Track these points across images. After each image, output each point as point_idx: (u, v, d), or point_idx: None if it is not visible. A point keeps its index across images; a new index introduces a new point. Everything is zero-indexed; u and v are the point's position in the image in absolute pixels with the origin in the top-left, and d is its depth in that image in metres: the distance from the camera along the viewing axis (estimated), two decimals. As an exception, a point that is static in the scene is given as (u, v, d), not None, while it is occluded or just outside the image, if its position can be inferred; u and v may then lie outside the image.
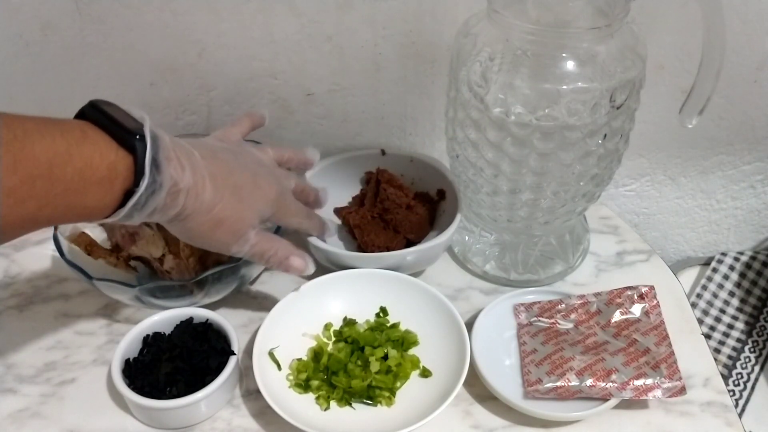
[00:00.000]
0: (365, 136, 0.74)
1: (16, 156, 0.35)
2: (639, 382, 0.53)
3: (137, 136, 0.41)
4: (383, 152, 0.70)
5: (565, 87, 0.50)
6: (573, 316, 0.59)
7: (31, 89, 0.66)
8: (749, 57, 0.69)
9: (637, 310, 0.58)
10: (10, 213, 0.35)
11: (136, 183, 0.41)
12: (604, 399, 0.53)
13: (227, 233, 0.50)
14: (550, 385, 0.53)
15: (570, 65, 0.51)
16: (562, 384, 0.53)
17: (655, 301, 0.59)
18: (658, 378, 0.53)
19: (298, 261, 0.55)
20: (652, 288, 0.59)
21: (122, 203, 0.41)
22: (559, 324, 0.58)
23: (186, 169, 0.44)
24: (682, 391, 0.53)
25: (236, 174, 0.50)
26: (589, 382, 0.52)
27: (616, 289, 0.59)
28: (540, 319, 0.59)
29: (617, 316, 0.58)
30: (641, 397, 0.53)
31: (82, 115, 0.42)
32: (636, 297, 0.59)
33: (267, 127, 0.71)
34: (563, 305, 0.59)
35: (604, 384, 0.52)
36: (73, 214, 0.40)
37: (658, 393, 0.52)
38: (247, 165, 0.52)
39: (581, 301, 0.59)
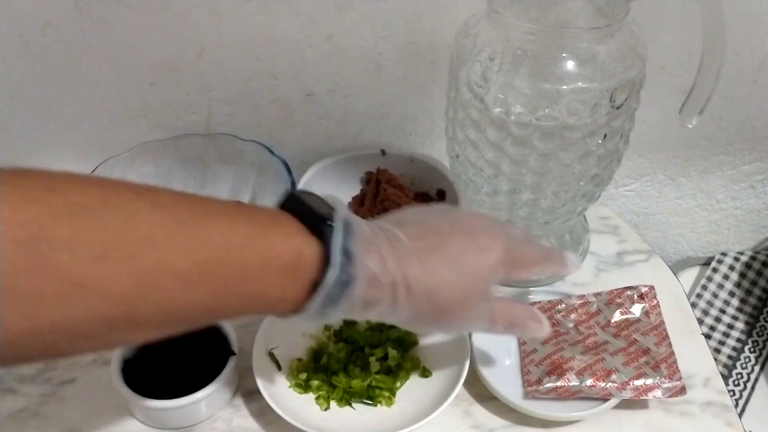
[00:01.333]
0: (365, 136, 0.74)
1: (189, 236, 0.32)
2: (639, 382, 0.53)
3: (327, 222, 0.37)
4: (383, 152, 0.70)
5: (565, 87, 0.50)
6: (573, 316, 0.59)
7: (31, 89, 0.66)
8: (749, 57, 0.69)
9: (637, 310, 0.58)
10: (178, 297, 0.32)
11: (324, 273, 0.36)
12: (604, 399, 0.53)
13: (455, 317, 0.43)
14: (550, 385, 0.53)
15: (570, 65, 0.51)
16: (562, 384, 0.53)
17: (655, 301, 0.59)
18: (658, 378, 0.53)
19: (535, 325, 0.47)
20: (652, 288, 0.59)
21: (312, 297, 0.37)
22: (559, 324, 0.58)
23: (389, 259, 0.38)
24: (682, 391, 0.53)
25: (451, 242, 0.42)
26: (589, 382, 0.52)
27: (616, 289, 0.59)
28: None
29: (617, 316, 0.58)
30: (641, 397, 0.53)
31: (280, 206, 0.39)
32: (636, 297, 0.59)
33: (267, 127, 0.72)
34: (563, 305, 0.59)
35: (604, 384, 0.52)
36: (252, 304, 0.36)
37: (658, 393, 0.52)
38: (462, 225, 0.44)
39: (581, 302, 0.59)
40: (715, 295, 0.80)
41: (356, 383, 0.54)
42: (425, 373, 0.56)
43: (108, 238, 0.30)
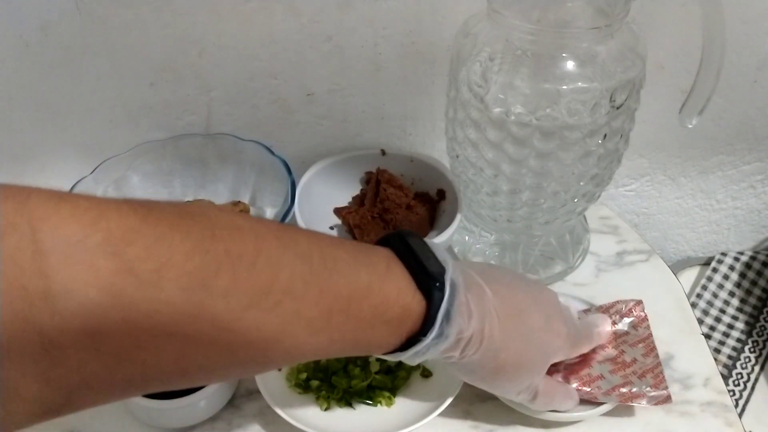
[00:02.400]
0: (365, 136, 0.74)
1: (321, 286, 0.35)
2: (625, 390, 0.53)
3: (437, 284, 0.39)
4: (383, 152, 0.70)
5: (565, 87, 0.50)
6: None
7: (31, 89, 0.66)
8: (749, 57, 0.69)
9: (625, 324, 0.58)
10: (304, 343, 0.35)
11: (424, 332, 0.39)
12: (591, 402, 0.53)
13: (512, 381, 0.46)
14: None
15: (570, 65, 0.51)
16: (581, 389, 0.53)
17: (642, 314, 0.58)
18: (644, 387, 0.53)
19: (569, 403, 0.52)
20: (639, 302, 0.59)
21: (405, 345, 0.40)
22: None
23: (474, 317, 0.41)
24: (668, 399, 0.53)
25: (529, 315, 0.46)
26: (574, 385, 0.53)
27: (604, 305, 0.59)
28: None
29: None
30: (627, 403, 0.53)
31: (386, 241, 0.42)
32: (624, 310, 0.59)
33: (267, 127, 0.72)
34: None
35: (589, 389, 0.53)
36: (356, 349, 0.39)
37: (643, 401, 0.53)
38: (542, 303, 0.48)
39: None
40: (715, 295, 0.80)
41: (356, 383, 0.54)
42: (425, 373, 0.56)
43: (259, 288, 0.32)
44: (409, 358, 0.40)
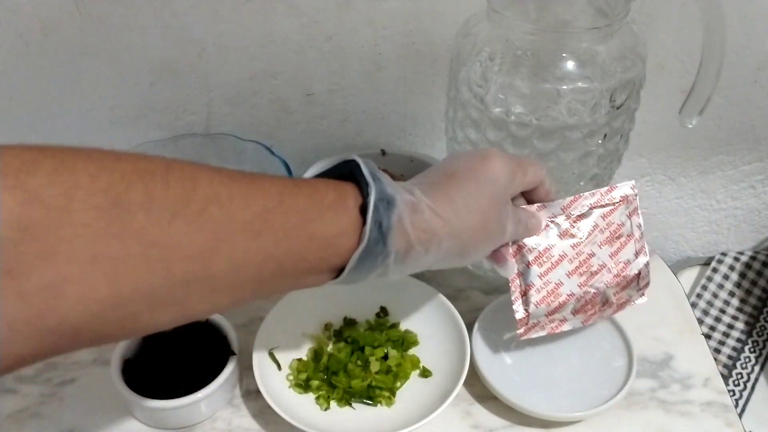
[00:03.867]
0: (365, 136, 0.74)
1: (247, 190, 0.34)
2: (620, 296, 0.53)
3: (351, 161, 0.40)
4: (383, 152, 0.70)
5: (565, 87, 0.50)
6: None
7: (31, 89, 0.66)
8: (749, 57, 0.69)
9: (591, 219, 0.52)
10: (247, 249, 0.34)
11: (366, 194, 0.38)
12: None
13: (484, 243, 0.45)
14: (539, 305, 0.51)
15: (570, 65, 0.51)
16: (552, 318, 0.52)
17: (616, 199, 0.53)
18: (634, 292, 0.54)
19: (537, 223, 0.51)
20: (613, 187, 0.53)
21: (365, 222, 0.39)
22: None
23: (410, 189, 0.41)
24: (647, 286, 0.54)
25: (456, 176, 0.44)
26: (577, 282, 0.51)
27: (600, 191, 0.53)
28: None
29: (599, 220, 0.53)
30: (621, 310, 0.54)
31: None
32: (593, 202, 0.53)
33: (267, 127, 0.72)
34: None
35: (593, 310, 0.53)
36: (315, 248, 0.37)
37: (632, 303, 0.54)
38: (459, 155, 0.47)
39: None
40: (715, 295, 0.80)
41: (356, 383, 0.54)
42: (425, 373, 0.56)
43: (178, 198, 0.31)
44: (374, 233, 0.38)
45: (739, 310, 0.79)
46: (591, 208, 0.52)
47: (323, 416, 0.53)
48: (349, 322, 0.60)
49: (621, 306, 0.55)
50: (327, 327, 0.60)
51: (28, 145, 0.28)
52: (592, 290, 0.52)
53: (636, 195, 0.54)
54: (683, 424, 0.55)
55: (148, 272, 0.30)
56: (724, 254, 0.82)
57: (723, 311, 0.79)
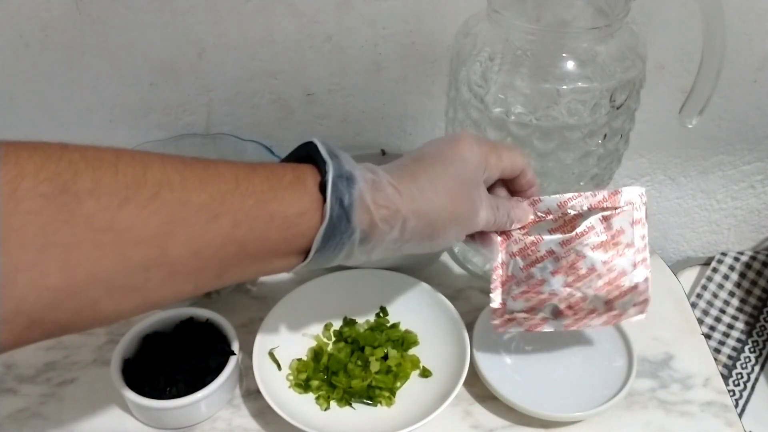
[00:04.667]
0: (365, 136, 0.74)
1: (201, 174, 0.34)
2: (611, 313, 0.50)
3: (309, 143, 0.41)
4: (383, 152, 0.70)
5: (565, 87, 0.50)
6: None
7: (31, 89, 0.66)
8: (749, 57, 0.69)
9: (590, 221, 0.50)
10: (204, 231, 0.33)
11: (324, 172, 0.38)
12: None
13: (456, 226, 0.44)
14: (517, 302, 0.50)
15: (570, 65, 0.51)
16: (531, 316, 0.50)
17: (619, 202, 0.49)
18: (628, 307, 0.50)
19: (523, 213, 0.50)
20: (616, 192, 0.50)
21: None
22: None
23: (372, 168, 0.42)
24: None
25: (423, 158, 0.45)
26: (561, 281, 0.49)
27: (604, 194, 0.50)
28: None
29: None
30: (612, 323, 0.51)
31: None
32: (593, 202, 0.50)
33: (267, 127, 0.72)
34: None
35: (579, 316, 0.50)
36: (277, 228, 0.37)
37: (623, 318, 0.50)
38: (431, 141, 0.47)
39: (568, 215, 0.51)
40: (715, 295, 0.80)
41: (356, 383, 0.54)
42: (425, 373, 0.56)
43: (128, 183, 0.31)
44: (335, 210, 0.38)
45: (739, 310, 0.79)
46: (590, 209, 0.49)
47: (323, 416, 0.53)
48: (349, 322, 0.60)
49: (613, 318, 0.51)
50: (327, 327, 0.60)
51: None
52: (578, 294, 0.49)
53: (644, 203, 0.50)
54: (683, 424, 0.55)
55: (101, 257, 0.30)
56: (724, 254, 0.82)
57: (723, 311, 0.79)
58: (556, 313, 0.50)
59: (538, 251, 0.50)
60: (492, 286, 0.51)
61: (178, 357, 0.54)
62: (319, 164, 0.39)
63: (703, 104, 0.54)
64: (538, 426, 0.54)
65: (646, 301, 0.50)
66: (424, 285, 0.59)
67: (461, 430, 0.54)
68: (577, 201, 0.50)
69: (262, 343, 0.55)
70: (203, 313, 0.57)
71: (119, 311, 0.33)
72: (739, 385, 0.74)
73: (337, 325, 0.60)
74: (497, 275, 0.51)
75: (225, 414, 0.55)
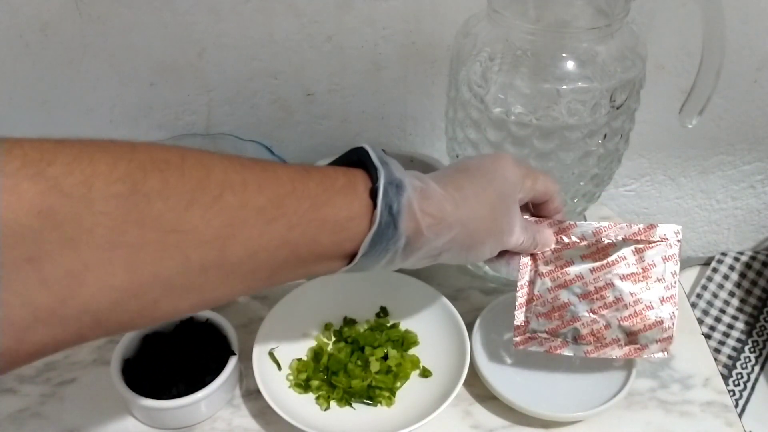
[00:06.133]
0: (365, 136, 0.74)
1: (260, 176, 0.35)
2: (631, 346, 0.50)
3: (362, 147, 0.41)
4: (383, 152, 0.70)
5: (565, 87, 0.50)
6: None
7: (31, 89, 0.66)
8: (749, 57, 0.69)
9: (623, 251, 0.50)
10: (261, 234, 0.34)
11: (375, 178, 0.39)
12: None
13: (491, 242, 0.45)
14: (539, 325, 0.51)
15: (570, 65, 0.51)
16: (553, 337, 0.51)
17: (656, 237, 0.50)
18: (649, 341, 0.50)
19: (549, 237, 0.51)
20: (652, 226, 0.50)
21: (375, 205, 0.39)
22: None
23: (420, 177, 0.42)
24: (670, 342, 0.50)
25: (471, 176, 0.45)
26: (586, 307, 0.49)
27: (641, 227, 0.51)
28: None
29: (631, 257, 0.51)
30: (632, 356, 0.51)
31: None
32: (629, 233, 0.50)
33: (267, 127, 0.72)
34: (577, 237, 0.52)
35: (594, 345, 0.50)
36: (327, 231, 0.37)
37: (644, 354, 0.50)
38: (475, 157, 0.48)
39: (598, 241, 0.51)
40: (715, 295, 0.80)
41: (356, 383, 0.54)
42: (425, 373, 0.56)
43: (193, 185, 0.32)
44: (384, 217, 0.38)
45: (739, 310, 0.79)
46: (625, 239, 0.50)
47: (323, 416, 0.53)
48: (349, 322, 0.60)
49: (634, 351, 0.51)
50: (327, 327, 0.60)
51: (47, 138, 0.29)
52: (602, 321, 0.50)
53: (678, 240, 0.50)
54: (683, 424, 0.55)
55: (166, 258, 0.31)
56: (724, 254, 0.82)
57: (723, 311, 0.79)
58: (578, 338, 0.51)
59: (568, 275, 0.50)
60: (517, 304, 0.52)
61: (178, 357, 0.54)
62: (369, 170, 0.40)
63: (703, 104, 0.54)
64: (538, 426, 0.54)
65: (669, 339, 0.50)
66: (424, 285, 0.59)
67: (461, 430, 0.54)
68: (612, 231, 0.50)
69: (262, 343, 0.55)
70: (203, 313, 0.57)
71: (176, 311, 0.34)
72: (739, 385, 0.74)
73: (337, 325, 0.60)
74: (523, 293, 0.52)
75: (225, 414, 0.55)
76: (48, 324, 0.28)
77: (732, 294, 0.80)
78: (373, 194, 0.39)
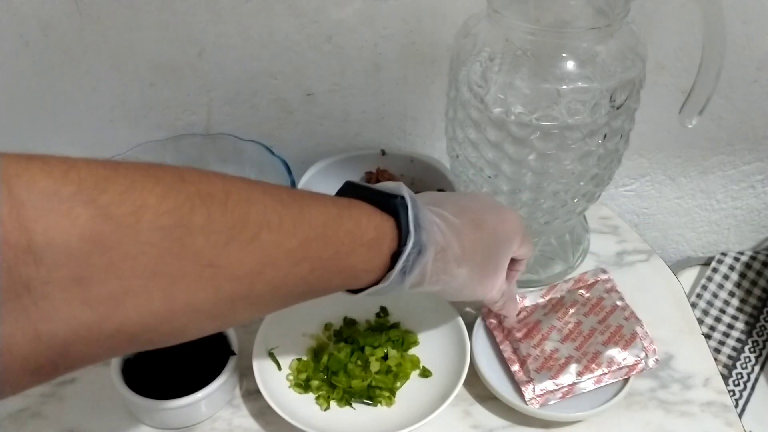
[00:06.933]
0: (365, 136, 0.74)
1: (295, 218, 0.36)
2: (625, 360, 0.55)
3: (397, 198, 0.42)
4: (383, 152, 0.70)
5: (565, 87, 0.50)
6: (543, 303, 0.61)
7: (31, 89, 0.66)
8: (749, 57, 0.69)
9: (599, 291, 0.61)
10: (287, 273, 0.36)
11: (403, 242, 0.41)
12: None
13: (491, 278, 0.49)
14: (547, 384, 0.53)
15: (570, 65, 0.51)
16: (559, 383, 0.54)
17: (610, 284, 0.61)
18: (639, 353, 0.55)
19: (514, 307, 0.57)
20: (601, 270, 0.62)
21: (390, 268, 0.41)
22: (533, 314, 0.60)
23: (446, 232, 0.44)
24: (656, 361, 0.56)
25: (485, 217, 0.48)
26: (580, 368, 0.55)
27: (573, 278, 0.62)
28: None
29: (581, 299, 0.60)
30: (630, 374, 0.55)
31: (341, 194, 0.44)
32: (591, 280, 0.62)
33: (267, 127, 0.72)
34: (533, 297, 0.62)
35: (593, 373, 0.54)
36: (342, 278, 0.40)
37: (641, 366, 0.55)
38: (487, 203, 0.50)
39: (548, 295, 0.62)
40: (715, 295, 0.80)
41: (356, 383, 0.54)
42: (425, 373, 0.56)
43: (234, 222, 0.33)
44: (398, 277, 0.41)
45: (739, 310, 0.79)
46: (569, 291, 0.61)
47: (323, 416, 0.53)
48: (349, 322, 0.60)
49: (633, 368, 0.55)
50: (327, 327, 0.60)
51: (103, 161, 0.30)
52: (591, 350, 0.55)
53: (609, 278, 0.62)
54: (683, 424, 0.55)
55: (200, 290, 0.32)
56: (724, 254, 0.82)
57: (723, 311, 0.79)
58: (580, 373, 0.54)
59: (541, 329, 0.57)
60: (516, 379, 0.55)
61: (178, 357, 0.54)
62: (400, 225, 0.41)
63: (703, 104, 0.54)
64: (538, 426, 0.54)
65: (653, 350, 0.56)
66: (424, 285, 0.59)
67: (461, 430, 0.54)
68: (554, 290, 0.61)
69: (262, 343, 0.55)
70: (203, 313, 0.57)
71: (201, 332, 0.35)
72: (739, 385, 0.74)
73: (337, 325, 0.60)
74: (514, 366, 0.56)
75: (225, 414, 0.55)
76: (86, 341, 0.30)
77: (732, 294, 0.80)
78: (395, 256, 0.41)
